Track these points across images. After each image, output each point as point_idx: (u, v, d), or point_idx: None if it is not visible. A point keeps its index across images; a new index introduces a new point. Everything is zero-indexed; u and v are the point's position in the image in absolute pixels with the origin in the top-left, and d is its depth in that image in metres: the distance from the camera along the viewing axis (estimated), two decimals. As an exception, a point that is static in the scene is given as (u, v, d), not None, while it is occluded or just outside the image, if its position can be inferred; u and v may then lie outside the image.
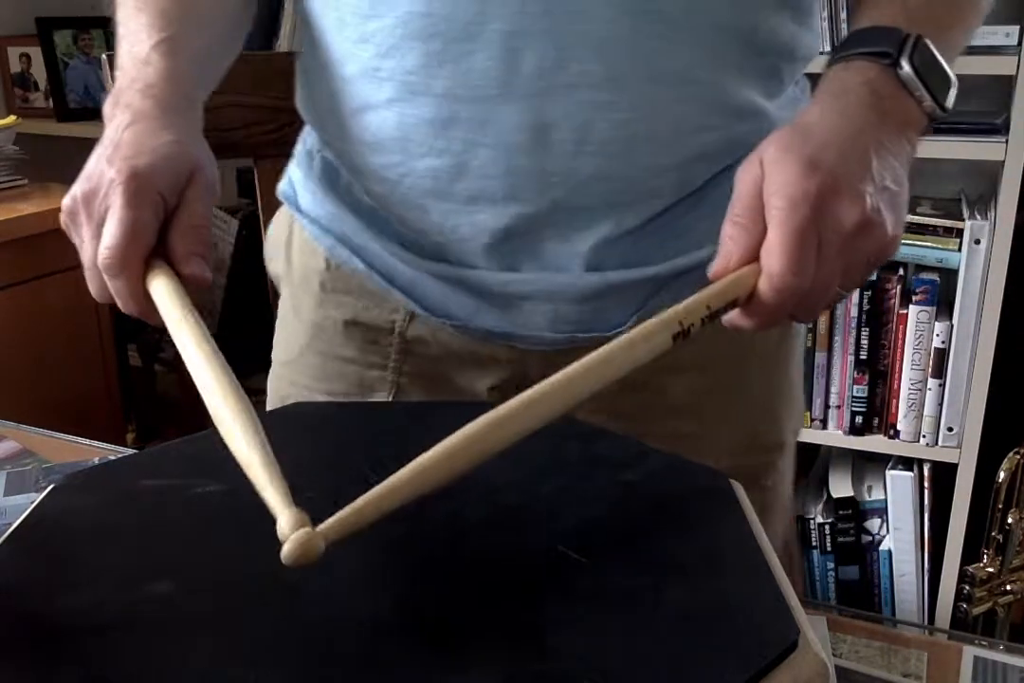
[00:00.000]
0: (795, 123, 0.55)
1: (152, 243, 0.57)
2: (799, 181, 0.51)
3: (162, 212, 0.57)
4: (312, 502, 0.49)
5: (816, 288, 0.51)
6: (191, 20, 0.65)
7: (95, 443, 0.83)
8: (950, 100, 0.58)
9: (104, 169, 0.57)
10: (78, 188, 0.58)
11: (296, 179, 0.77)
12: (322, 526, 0.39)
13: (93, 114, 2.13)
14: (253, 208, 1.94)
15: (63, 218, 0.59)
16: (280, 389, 0.79)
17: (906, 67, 0.55)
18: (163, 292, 0.55)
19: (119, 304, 0.58)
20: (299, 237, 0.77)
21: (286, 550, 0.38)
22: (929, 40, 0.57)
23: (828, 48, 1.45)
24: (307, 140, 0.77)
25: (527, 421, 0.44)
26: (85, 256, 0.58)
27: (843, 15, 1.44)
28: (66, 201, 0.59)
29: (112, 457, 0.78)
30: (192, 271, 0.57)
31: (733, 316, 0.53)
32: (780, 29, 0.63)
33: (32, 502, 0.49)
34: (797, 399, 0.78)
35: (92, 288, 0.59)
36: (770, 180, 0.52)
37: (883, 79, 0.56)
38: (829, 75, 0.58)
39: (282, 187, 0.79)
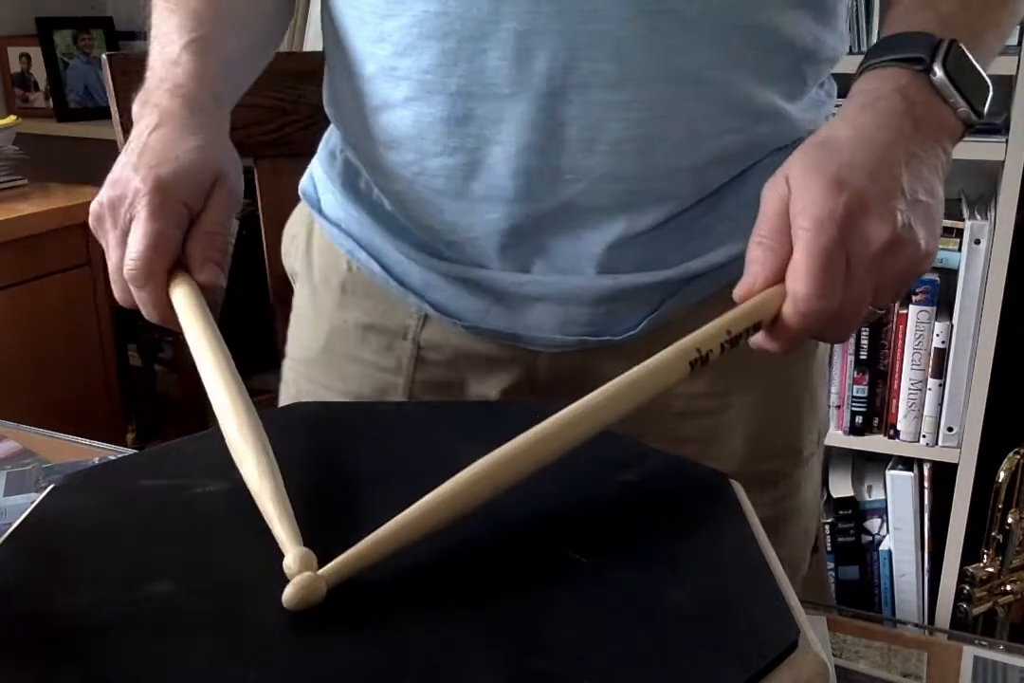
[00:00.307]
0: (822, 136, 0.54)
1: (176, 253, 0.58)
2: (825, 200, 0.50)
3: (186, 221, 0.59)
4: (312, 505, 0.49)
5: (846, 309, 0.50)
6: (223, 22, 0.65)
7: (95, 443, 0.83)
8: (986, 106, 0.56)
9: (130, 176, 0.58)
10: (104, 194, 0.59)
11: (318, 178, 0.77)
12: (324, 569, 0.39)
13: (93, 114, 2.13)
14: (253, 208, 1.94)
15: (91, 222, 0.60)
16: (299, 386, 0.79)
17: (939, 73, 0.54)
18: (184, 304, 0.56)
19: (143, 312, 0.60)
20: (320, 237, 0.77)
21: (288, 593, 0.38)
22: (964, 45, 0.55)
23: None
24: (330, 139, 0.77)
25: (535, 458, 0.44)
26: (110, 263, 0.59)
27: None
28: (94, 206, 0.60)
29: (112, 457, 0.78)
30: (206, 278, 0.58)
31: (758, 339, 0.52)
32: (800, 29, 0.62)
33: (32, 502, 0.49)
34: (818, 407, 0.76)
35: (117, 294, 0.60)
36: (796, 199, 0.51)
37: (916, 85, 0.55)
38: (859, 82, 0.57)
39: (303, 185, 0.80)
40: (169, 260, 0.58)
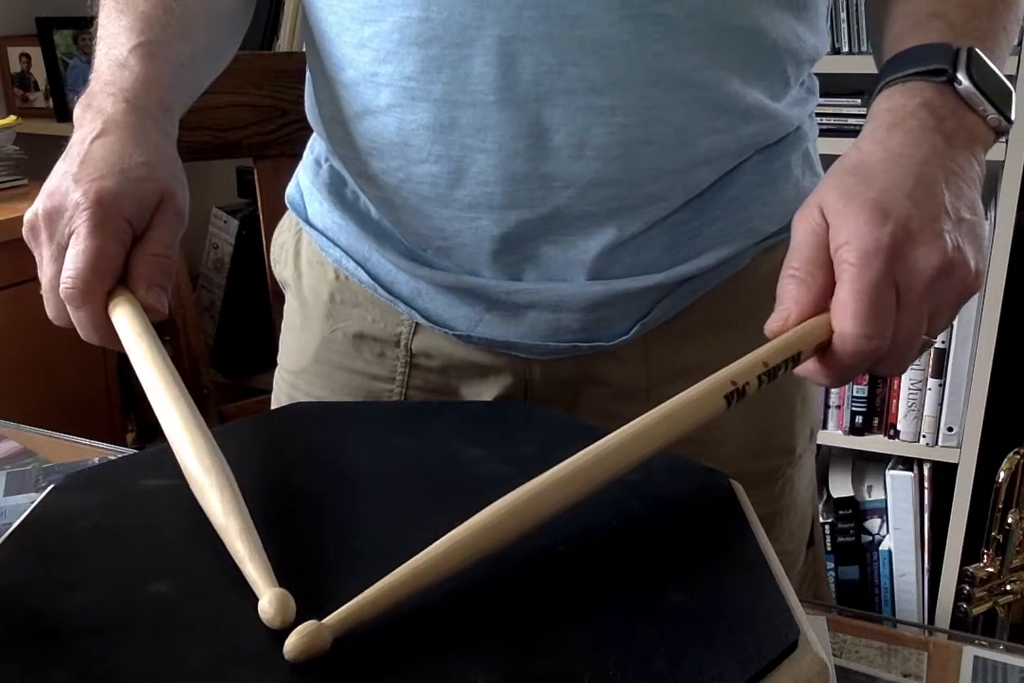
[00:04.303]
0: (852, 162, 0.53)
1: (117, 273, 0.55)
2: (870, 232, 0.48)
3: (129, 239, 0.56)
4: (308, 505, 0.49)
5: (900, 342, 0.49)
6: (174, 25, 0.63)
7: (95, 443, 0.83)
8: (1014, 110, 0.55)
9: (69, 188, 0.55)
10: (40, 204, 0.56)
11: (304, 187, 0.77)
12: (329, 619, 0.37)
13: (93, 114, 2.13)
14: (253, 208, 1.94)
15: (25, 232, 0.57)
16: (289, 395, 0.79)
17: (964, 82, 0.53)
18: (127, 326, 0.53)
19: (80, 333, 0.57)
20: (308, 247, 0.77)
21: (290, 644, 0.36)
22: (980, 51, 0.55)
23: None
24: (314, 147, 0.76)
25: (555, 500, 0.42)
26: (44, 279, 0.56)
27: (842, 15, 1.44)
28: (28, 215, 0.57)
29: (112, 457, 0.78)
30: (151, 303, 0.55)
31: (808, 367, 0.50)
32: (784, 30, 0.62)
33: (32, 502, 0.49)
34: (809, 403, 0.76)
35: (50, 312, 0.57)
36: (837, 232, 0.49)
37: (942, 98, 0.54)
38: (881, 100, 0.56)
39: (290, 192, 0.79)
40: (110, 281, 0.55)
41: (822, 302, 0.50)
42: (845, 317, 0.48)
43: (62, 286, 0.54)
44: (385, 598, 0.37)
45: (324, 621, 0.36)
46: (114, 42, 0.62)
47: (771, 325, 0.51)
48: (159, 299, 0.56)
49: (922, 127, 0.53)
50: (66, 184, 0.56)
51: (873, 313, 0.48)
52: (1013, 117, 0.55)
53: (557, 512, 0.42)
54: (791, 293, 0.50)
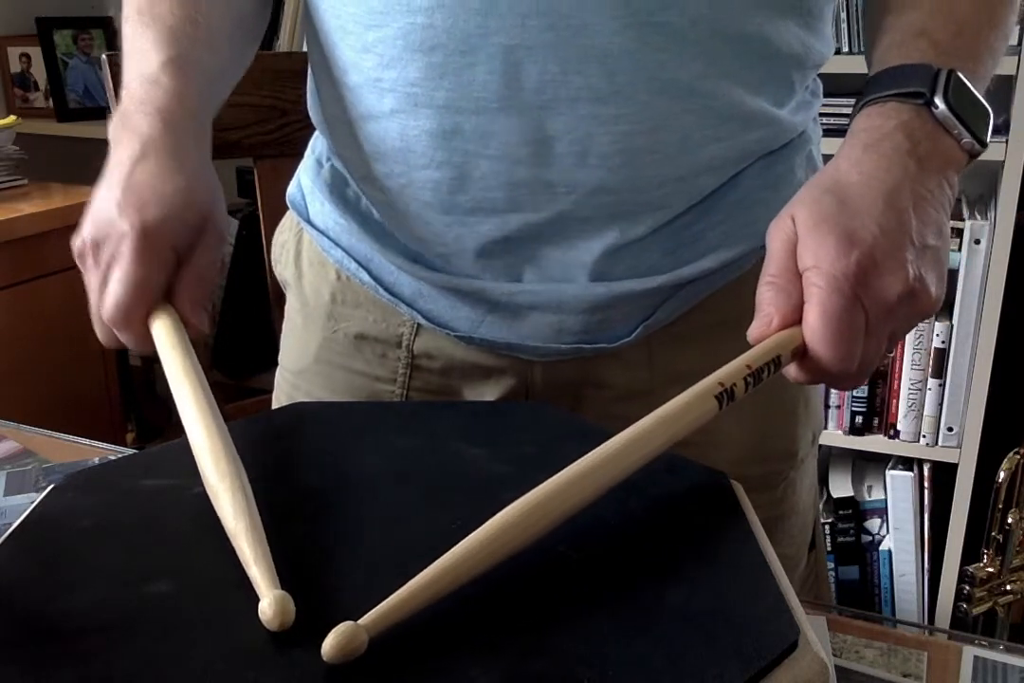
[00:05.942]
0: (828, 180, 0.54)
1: (159, 299, 0.57)
2: (838, 257, 0.50)
3: (173, 267, 0.57)
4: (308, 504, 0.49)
5: (864, 360, 0.51)
6: (201, 38, 0.63)
7: (95, 443, 0.83)
8: (989, 135, 0.56)
9: (115, 217, 0.56)
10: (87, 232, 0.57)
11: (305, 186, 0.77)
12: (365, 619, 0.36)
13: (93, 114, 2.14)
14: (253, 208, 1.94)
15: (75, 258, 0.59)
16: (291, 396, 0.79)
17: (941, 106, 0.54)
18: (164, 339, 0.55)
19: (129, 348, 0.59)
20: (309, 247, 0.77)
21: (327, 646, 0.36)
22: (962, 73, 0.55)
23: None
24: (316, 147, 0.76)
25: (569, 501, 0.43)
26: (91, 302, 0.58)
27: (842, 15, 1.44)
28: (76, 243, 0.58)
29: (112, 457, 0.78)
30: (195, 323, 0.57)
31: (787, 371, 0.52)
32: (789, 37, 0.62)
33: (32, 502, 0.49)
34: (812, 408, 0.76)
35: (98, 334, 0.59)
36: (805, 252, 0.51)
37: (918, 121, 0.54)
38: (860, 119, 0.56)
39: (291, 192, 0.79)
40: (150, 306, 0.56)
41: (802, 309, 0.51)
42: (819, 342, 0.49)
43: (104, 312, 0.56)
44: (417, 598, 0.38)
45: (360, 621, 0.36)
46: (143, 58, 0.62)
47: (753, 331, 0.52)
48: (201, 319, 0.58)
49: (896, 150, 0.54)
50: (111, 211, 0.56)
51: (843, 336, 0.49)
52: (988, 141, 0.56)
53: (576, 511, 0.43)
54: (771, 299, 0.52)
